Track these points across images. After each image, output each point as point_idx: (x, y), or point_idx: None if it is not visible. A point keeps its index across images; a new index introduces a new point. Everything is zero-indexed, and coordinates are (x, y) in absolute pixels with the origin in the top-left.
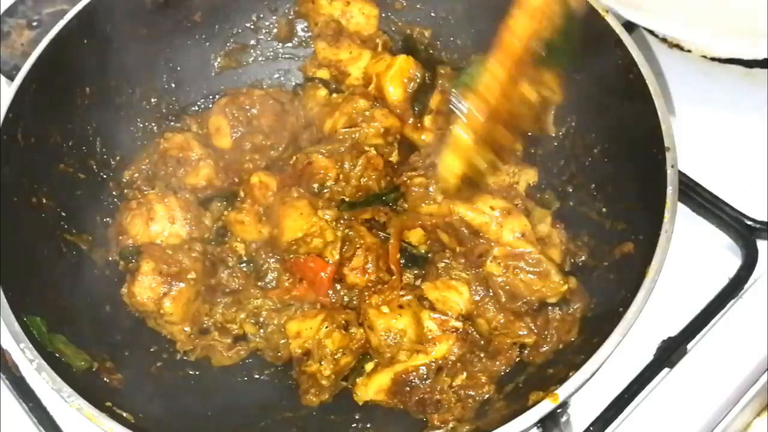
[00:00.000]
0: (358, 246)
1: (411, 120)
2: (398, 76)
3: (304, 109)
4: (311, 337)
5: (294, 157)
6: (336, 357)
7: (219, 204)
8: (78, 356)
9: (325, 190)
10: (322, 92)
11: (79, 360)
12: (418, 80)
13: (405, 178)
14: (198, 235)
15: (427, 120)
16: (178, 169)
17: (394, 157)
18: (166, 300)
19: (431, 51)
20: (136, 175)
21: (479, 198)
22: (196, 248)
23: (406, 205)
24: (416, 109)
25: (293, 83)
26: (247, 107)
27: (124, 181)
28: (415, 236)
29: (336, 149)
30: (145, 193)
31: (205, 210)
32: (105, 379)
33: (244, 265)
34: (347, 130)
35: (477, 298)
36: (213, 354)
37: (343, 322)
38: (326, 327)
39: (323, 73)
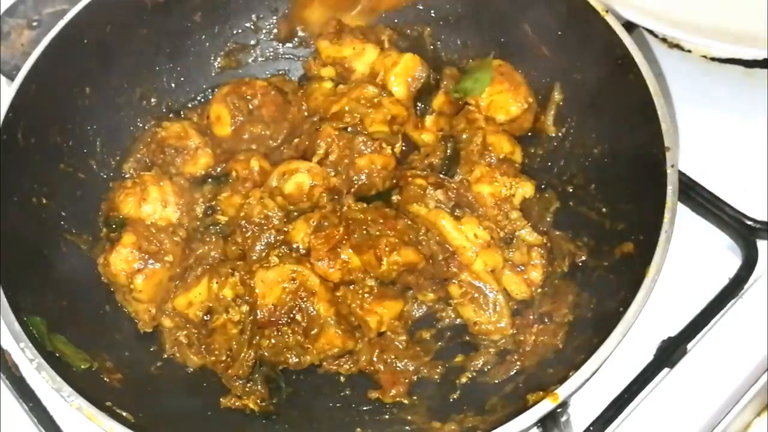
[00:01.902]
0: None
1: (413, 119)
2: (403, 73)
3: (308, 100)
4: (206, 299)
5: (295, 140)
6: (238, 302)
7: (211, 186)
8: (78, 356)
9: (330, 157)
10: (328, 84)
11: (78, 360)
12: (422, 80)
13: (408, 174)
14: (187, 222)
15: (429, 120)
16: (176, 158)
17: (397, 149)
18: (138, 276)
19: (438, 50)
20: (135, 165)
21: (468, 220)
22: (179, 233)
23: (398, 197)
24: (418, 108)
25: None
26: (249, 97)
27: (125, 171)
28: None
29: (342, 126)
30: (141, 174)
31: (198, 193)
32: (105, 378)
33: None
34: (354, 110)
35: None
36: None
37: (230, 270)
38: (216, 282)
39: (328, 71)
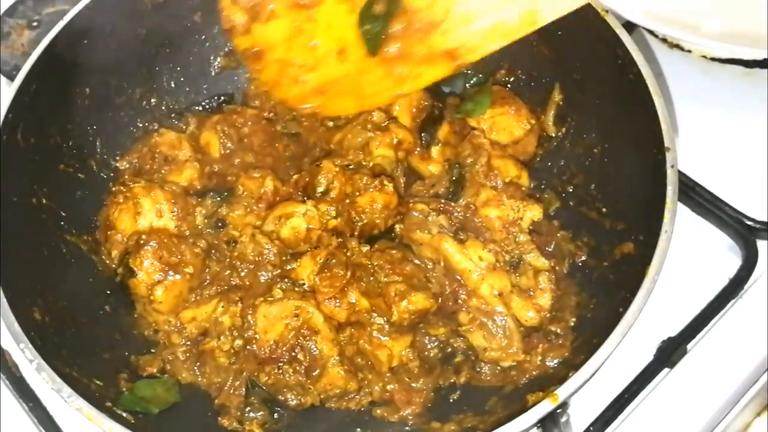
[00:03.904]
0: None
1: (418, 150)
2: (406, 104)
3: (308, 136)
4: (206, 319)
5: (295, 176)
6: (234, 333)
7: (213, 200)
8: (169, 386)
9: (331, 194)
10: (329, 122)
11: (174, 393)
12: (426, 110)
13: (410, 201)
14: (187, 228)
15: (435, 151)
16: (163, 166)
17: (398, 175)
18: (158, 288)
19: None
20: (127, 165)
21: (471, 244)
22: (200, 244)
23: (401, 226)
24: (424, 139)
25: None
26: (239, 125)
27: (120, 168)
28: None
29: (346, 162)
30: (131, 186)
31: (198, 205)
32: None
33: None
34: (358, 135)
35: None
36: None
37: (238, 298)
38: (222, 306)
39: None
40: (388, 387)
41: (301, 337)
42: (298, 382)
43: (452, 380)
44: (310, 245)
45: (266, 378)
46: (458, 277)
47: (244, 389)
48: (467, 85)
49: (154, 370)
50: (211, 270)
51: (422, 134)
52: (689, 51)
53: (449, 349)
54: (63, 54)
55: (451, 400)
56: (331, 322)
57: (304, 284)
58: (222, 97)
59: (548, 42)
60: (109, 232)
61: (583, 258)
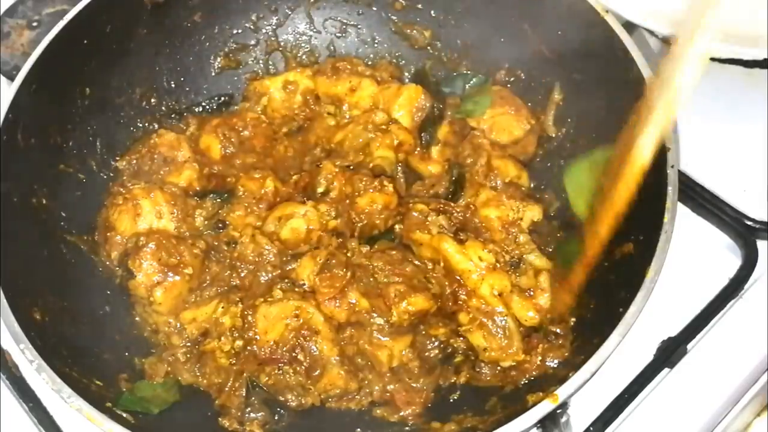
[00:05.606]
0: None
1: (418, 150)
2: (407, 104)
3: (308, 136)
4: (206, 319)
5: (294, 177)
6: (234, 334)
7: (214, 201)
8: (169, 386)
9: (331, 194)
10: (330, 121)
11: (174, 393)
12: (426, 110)
13: (409, 201)
14: (187, 229)
15: (435, 151)
16: (162, 167)
17: (398, 176)
18: (158, 289)
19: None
20: (126, 166)
21: (471, 244)
22: (198, 245)
23: (401, 226)
24: (424, 139)
25: None
26: (239, 128)
27: (119, 168)
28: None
29: (346, 162)
30: (130, 187)
31: (198, 206)
32: None
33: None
34: (359, 136)
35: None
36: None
37: (238, 299)
38: (222, 307)
39: (328, 107)
40: (389, 387)
41: (301, 338)
42: (298, 382)
43: (452, 380)
44: (310, 246)
45: (267, 378)
46: (458, 278)
47: (244, 390)
48: (467, 85)
49: (162, 380)
50: (211, 271)
51: (422, 134)
52: None
53: (449, 349)
54: (63, 54)
55: (451, 400)
56: (331, 323)
57: (304, 285)
58: (222, 98)
59: (548, 42)
60: (108, 234)
61: None
